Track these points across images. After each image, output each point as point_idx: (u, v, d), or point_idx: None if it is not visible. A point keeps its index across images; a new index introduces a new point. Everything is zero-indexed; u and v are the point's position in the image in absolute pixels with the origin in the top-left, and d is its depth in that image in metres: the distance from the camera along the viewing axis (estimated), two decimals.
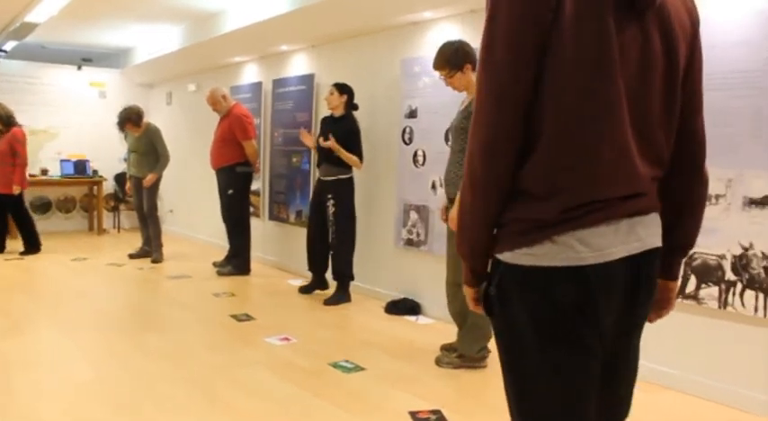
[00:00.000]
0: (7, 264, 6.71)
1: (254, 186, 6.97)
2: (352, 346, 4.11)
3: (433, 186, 4.81)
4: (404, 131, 5.05)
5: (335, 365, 3.73)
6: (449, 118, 4.53)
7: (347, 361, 3.81)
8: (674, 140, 1.28)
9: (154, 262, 6.87)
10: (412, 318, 4.85)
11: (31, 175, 8.64)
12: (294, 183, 6.26)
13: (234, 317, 4.75)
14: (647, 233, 1.23)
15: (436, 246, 4.76)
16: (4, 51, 8.71)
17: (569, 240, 1.13)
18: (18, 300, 5.14)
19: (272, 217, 6.74)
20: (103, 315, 4.75)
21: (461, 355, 3.74)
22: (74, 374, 3.48)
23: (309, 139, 5.52)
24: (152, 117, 9.70)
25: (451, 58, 3.59)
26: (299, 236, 5.77)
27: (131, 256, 7.11)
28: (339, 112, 5.17)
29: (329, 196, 5.12)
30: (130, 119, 6.84)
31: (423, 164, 4.90)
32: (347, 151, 5.00)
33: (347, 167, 5.11)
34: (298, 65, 6.36)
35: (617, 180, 1.16)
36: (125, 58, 10.11)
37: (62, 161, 8.82)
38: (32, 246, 7.21)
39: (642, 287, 1.24)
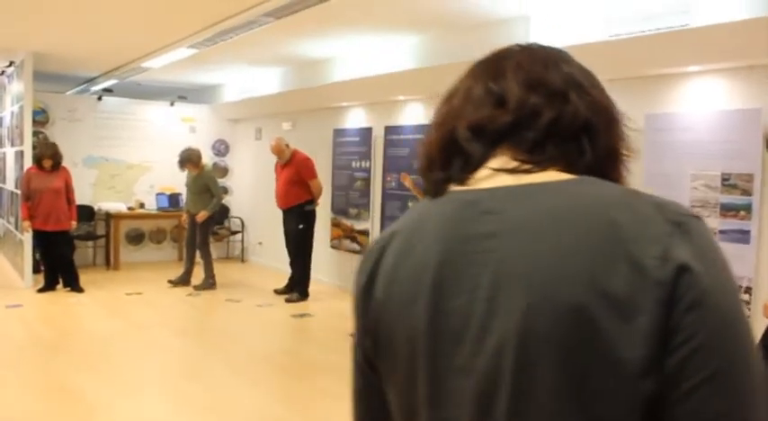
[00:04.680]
0: (130, 299, 7.06)
1: (363, 227, 7.32)
2: None
3: None
4: None
5: None
6: None
7: None
8: None
9: (196, 288, 7.49)
10: None
11: (129, 208, 9.05)
12: None
13: None
14: None
15: None
16: (110, 90, 9.13)
17: None
18: (188, 346, 5.53)
19: None
20: (266, 357, 5.09)
21: None
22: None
23: (410, 182, 5.86)
24: (239, 151, 10.10)
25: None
26: None
27: (171, 282, 7.65)
28: None
29: None
30: (191, 159, 7.47)
31: None
32: None
33: None
34: (414, 113, 6.67)
35: None
36: (213, 93, 10.53)
37: (158, 195, 9.19)
38: (75, 283, 7.23)
39: None
